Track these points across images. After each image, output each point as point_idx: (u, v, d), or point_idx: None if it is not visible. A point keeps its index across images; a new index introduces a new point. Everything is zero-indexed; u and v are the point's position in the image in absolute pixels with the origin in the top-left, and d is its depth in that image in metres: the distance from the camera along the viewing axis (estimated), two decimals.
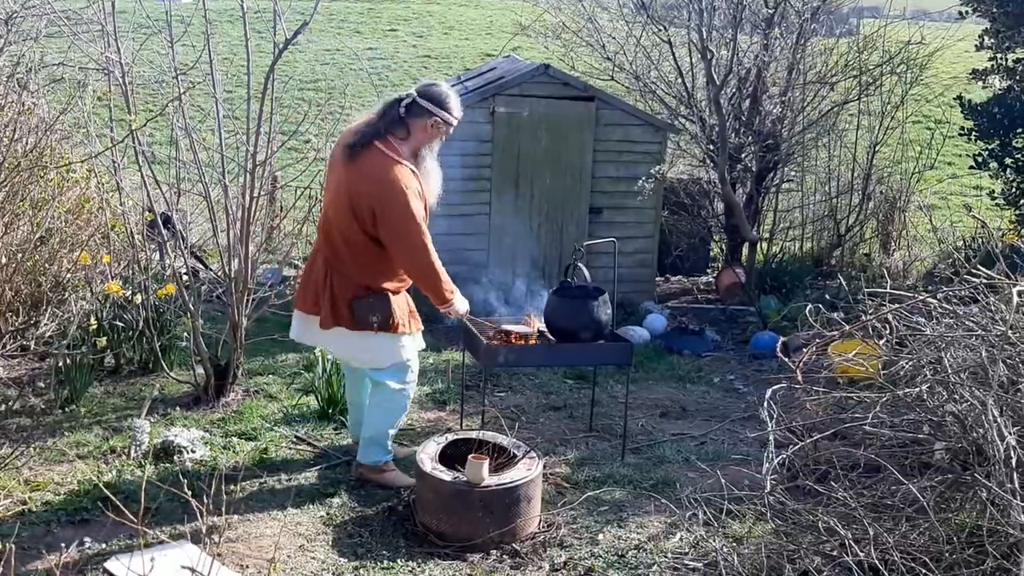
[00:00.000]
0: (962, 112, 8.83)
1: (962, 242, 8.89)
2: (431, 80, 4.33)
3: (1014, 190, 8.72)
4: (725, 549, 3.67)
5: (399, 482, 4.36)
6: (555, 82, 7.52)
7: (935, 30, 9.09)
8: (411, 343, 4.37)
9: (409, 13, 28.69)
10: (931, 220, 9.41)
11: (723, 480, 4.13)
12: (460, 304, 4.35)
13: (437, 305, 4.31)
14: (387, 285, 4.22)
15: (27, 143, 5.80)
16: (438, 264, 4.18)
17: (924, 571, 3.12)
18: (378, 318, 4.14)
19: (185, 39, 5.20)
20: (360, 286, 4.17)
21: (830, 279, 8.51)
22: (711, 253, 9.52)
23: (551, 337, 4.80)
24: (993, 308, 3.68)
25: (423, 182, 4.18)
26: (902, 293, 4.11)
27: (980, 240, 8.58)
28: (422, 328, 4.48)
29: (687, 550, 3.86)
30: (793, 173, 9.23)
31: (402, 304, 4.29)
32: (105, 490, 3.15)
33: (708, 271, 9.39)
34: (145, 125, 4.58)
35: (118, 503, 2.74)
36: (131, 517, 2.46)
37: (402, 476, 4.40)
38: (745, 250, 8.68)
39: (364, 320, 4.14)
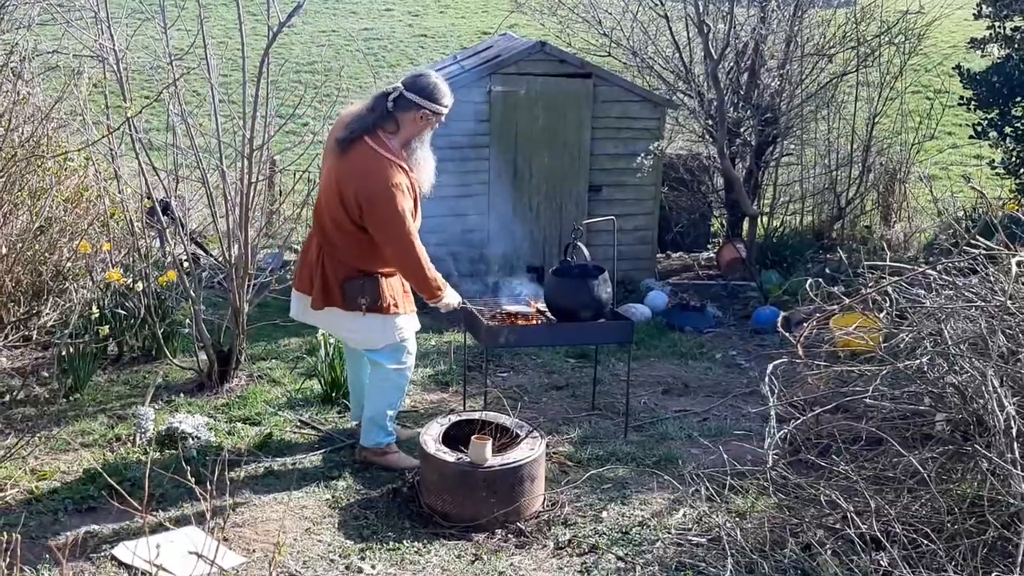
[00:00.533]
0: (961, 82, 8.79)
1: (962, 212, 8.86)
2: (418, 70, 4.30)
3: (1014, 159, 8.69)
4: (728, 524, 3.70)
5: (403, 464, 4.38)
6: (552, 59, 7.48)
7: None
8: (407, 323, 4.38)
9: None
10: (931, 191, 9.37)
11: (725, 456, 4.15)
12: (450, 298, 4.38)
13: (427, 300, 4.34)
14: (380, 269, 4.24)
15: (23, 132, 5.79)
16: (425, 259, 4.18)
17: (925, 542, 3.14)
18: (367, 300, 4.17)
19: (180, 23, 5.17)
20: (352, 268, 4.20)
21: (831, 252, 8.50)
22: (712, 229, 9.51)
23: (551, 317, 4.81)
24: (992, 279, 3.68)
25: (414, 174, 4.19)
26: (902, 265, 4.11)
27: (980, 210, 8.56)
28: (416, 309, 4.49)
29: (690, 526, 3.89)
30: (793, 146, 9.19)
31: (395, 285, 4.30)
32: (109, 479, 3.17)
33: (709, 247, 9.38)
34: (140, 112, 4.56)
35: (121, 491, 2.76)
36: (134, 504, 2.48)
37: (406, 458, 4.42)
38: (746, 225, 8.66)
39: (353, 301, 4.17)
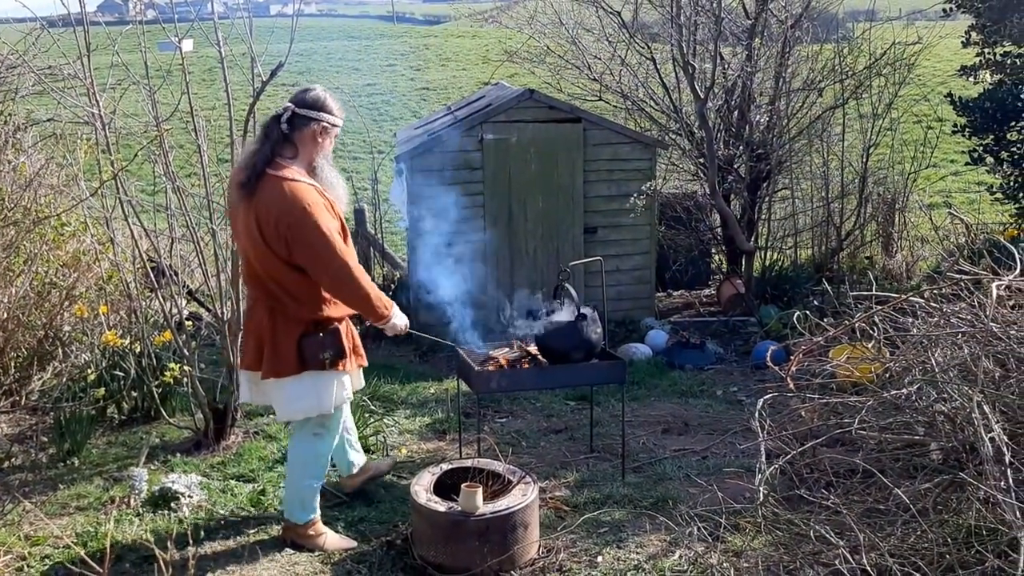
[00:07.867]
0: (954, 109, 8.81)
1: (963, 239, 8.82)
2: (304, 87, 4.02)
3: (1012, 184, 8.67)
4: (724, 564, 3.63)
5: (332, 547, 4.11)
6: (541, 106, 7.56)
7: (920, 29, 9.07)
8: (350, 382, 4.13)
9: (406, 47, 29.01)
10: (931, 219, 9.34)
11: (720, 495, 4.09)
12: (399, 319, 4.07)
13: (375, 322, 4.03)
14: (331, 313, 3.96)
15: (17, 199, 5.87)
16: (365, 280, 3.86)
17: (917, 575, 3.07)
18: (330, 355, 3.90)
19: (166, 88, 5.24)
20: (306, 322, 3.91)
21: (833, 284, 8.46)
22: (713, 265, 9.49)
23: (543, 359, 4.79)
24: (977, 304, 3.65)
25: (329, 194, 3.93)
26: (888, 295, 4.08)
27: (979, 236, 8.53)
28: (365, 364, 4.25)
29: (686, 567, 3.82)
30: (786, 181, 9.20)
31: (348, 337, 4.05)
32: (75, 547, 3.14)
33: (710, 284, 9.35)
34: (121, 171, 4.61)
35: (89, 560, 2.74)
36: (97, 569, 2.46)
37: (337, 539, 4.16)
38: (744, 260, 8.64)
39: (315, 358, 3.88)
